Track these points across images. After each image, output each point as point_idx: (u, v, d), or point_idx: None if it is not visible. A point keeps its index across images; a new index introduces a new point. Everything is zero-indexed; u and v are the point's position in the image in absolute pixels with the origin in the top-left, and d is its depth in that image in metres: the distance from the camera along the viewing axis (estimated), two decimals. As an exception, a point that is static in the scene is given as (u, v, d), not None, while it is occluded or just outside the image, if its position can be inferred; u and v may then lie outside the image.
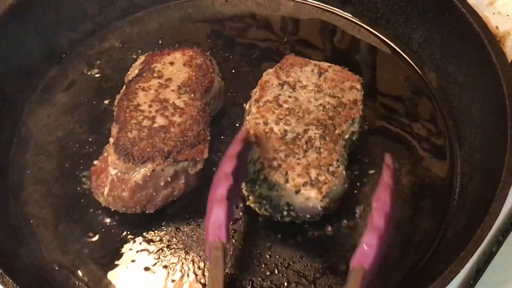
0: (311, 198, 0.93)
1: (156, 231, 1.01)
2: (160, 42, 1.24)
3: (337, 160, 0.95)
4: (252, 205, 0.99)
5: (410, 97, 1.17)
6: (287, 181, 0.93)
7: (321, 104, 1.01)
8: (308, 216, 0.97)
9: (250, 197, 0.98)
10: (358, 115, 1.01)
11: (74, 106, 1.15)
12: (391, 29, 1.24)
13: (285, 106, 1.01)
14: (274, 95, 1.02)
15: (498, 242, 1.04)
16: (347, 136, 0.99)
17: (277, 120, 0.99)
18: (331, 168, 0.94)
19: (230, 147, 0.93)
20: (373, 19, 1.25)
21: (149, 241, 1.00)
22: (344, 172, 0.96)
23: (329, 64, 1.08)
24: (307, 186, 0.93)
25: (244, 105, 1.06)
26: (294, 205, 0.95)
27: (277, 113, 1.00)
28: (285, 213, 0.96)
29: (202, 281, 0.96)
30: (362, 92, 1.04)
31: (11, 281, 0.87)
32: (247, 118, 1.03)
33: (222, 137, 1.10)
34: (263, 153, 0.95)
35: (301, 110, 1.00)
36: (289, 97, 1.02)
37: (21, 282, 0.88)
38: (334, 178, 0.94)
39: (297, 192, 0.93)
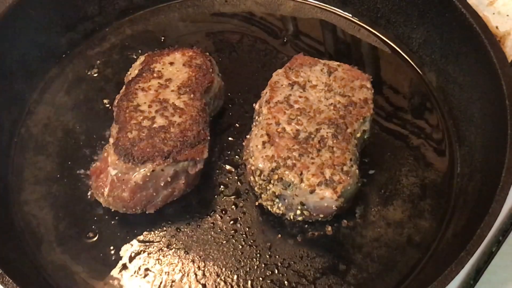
0: (326, 197, 0.93)
1: (156, 231, 1.01)
2: (160, 42, 1.24)
3: (350, 160, 0.95)
4: (264, 203, 0.99)
5: (410, 97, 1.17)
6: (302, 180, 0.93)
7: (331, 103, 1.01)
8: (321, 215, 0.97)
9: (263, 195, 0.98)
10: (369, 114, 1.01)
11: (74, 106, 1.15)
12: (391, 29, 1.24)
13: (296, 106, 1.01)
14: (284, 95, 1.02)
15: (498, 242, 1.04)
16: (358, 135, 0.99)
17: (289, 120, 0.99)
18: (345, 168, 0.94)
19: None
20: (373, 19, 1.25)
21: (149, 241, 1.00)
22: (357, 171, 0.96)
23: (338, 63, 1.07)
24: (322, 185, 0.93)
25: (254, 105, 1.06)
26: (308, 204, 0.95)
27: (288, 113, 1.00)
28: (298, 212, 0.97)
29: (202, 281, 0.96)
30: (372, 91, 1.04)
31: (11, 281, 0.87)
32: (257, 118, 1.03)
33: (222, 137, 1.10)
34: (277, 152, 0.95)
35: (312, 110, 1.00)
36: (300, 97, 1.02)
37: (21, 282, 0.88)
38: (348, 178, 0.94)
39: (312, 191, 0.93)
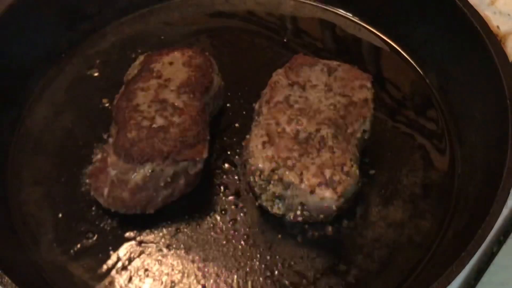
0: (326, 198, 0.92)
1: (156, 232, 1.00)
2: (159, 42, 1.24)
3: (351, 160, 0.95)
4: (264, 204, 0.99)
5: (410, 97, 1.17)
6: (302, 181, 0.93)
7: (331, 103, 1.01)
8: (321, 216, 0.96)
9: (263, 196, 0.98)
10: (370, 114, 1.01)
11: (73, 106, 1.15)
12: (391, 28, 1.23)
13: (296, 106, 1.00)
14: (284, 95, 1.02)
15: (499, 242, 1.04)
16: (359, 135, 0.99)
17: (289, 121, 0.98)
18: (345, 168, 0.94)
19: None
20: (374, 19, 1.25)
21: (149, 242, 1.00)
22: (357, 171, 0.96)
23: (338, 62, 1.07)
24: (322, 186, 0.92)
25: (254, 105, 1.06)
26: (309, 204, 0.94)
27: (288, 113, 0.99)
28: (298, 212, 0.96)
29: (202, 282, 0.96)
30: (373, 91, 1.04)
31: (10, 281, 0.86)
32: (257, 118, 1.02)
33: (222, 137, 1.10)
34: (278, 152, 0.95)
35: (312, 110, 1.00)
36: (300, 97, 1.02)
37: (21, 282, 0.87)
38: (348, 178, 0.93)
39: (312, 192, 0.92)
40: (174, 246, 0.99)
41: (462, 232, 0.96)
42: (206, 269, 0.97)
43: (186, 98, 1.01)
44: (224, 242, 1.00)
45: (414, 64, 1.21)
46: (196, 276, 0.97)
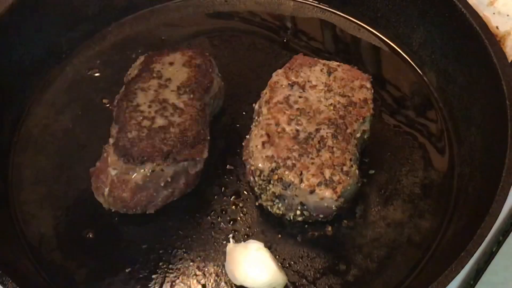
0: (326, 198, 0.93)
1: (156, 231, 1.00)
2: (160, 42, 1.24)
3: (350, 160, 0.95)
4: (264, 204, 0.99)
5: (410, 97, 1.17)
6: (301, 181, 0.93)
7: (331, 103, 1.01)
8: (321, 215, 0.97)
9: (262, 196, 0.98)
10: (369, 114, 1.01)
11: (74, 106, 1.15)
12: (391, 29, 1.24)
13: (296, 106, 1.00)
14: (284, 95, 1.02)
15: (498, 242, 1.04)
16: (358, 135, 0.99)
17: (289, 121, 0.99)
18: (344, 168, 0.94)
19: None
20: (373, 19, 1.25)
21: (149, 241, 1.00)
22: (357, 171, 0.96)
23: (338, 63, 1.07)
24: (321, 186, 0.93)
25: (254, 105, 1.06)
26: (308, 204, 0.95)
27: (288, 113, 1.00)
28: (298, 212, 0.96)
29: (202, 281, 0.96)
30: (372, 91, 1.04)
31: (10, 281, 0.86)
32: (257, 118, 1.03)
33: (222, 137, 1.10)
34: (277, 152, 0.95)
35: (311, 110, 1.00)
36: (299, 97, 1.02)
37: (21, 282, 0.88)
38: (348, 178, 0.94)
39: (312, 192, 0.93)
40: (174, 245, 0.99)
41: (462, 232, 0.96)
42: (206, 269, 0.97)
43: (186, 98, 1.02)
44: (224, 242, 1.00)
45: (414, 65, 1.21)
46: (196, 276, 0.97)
